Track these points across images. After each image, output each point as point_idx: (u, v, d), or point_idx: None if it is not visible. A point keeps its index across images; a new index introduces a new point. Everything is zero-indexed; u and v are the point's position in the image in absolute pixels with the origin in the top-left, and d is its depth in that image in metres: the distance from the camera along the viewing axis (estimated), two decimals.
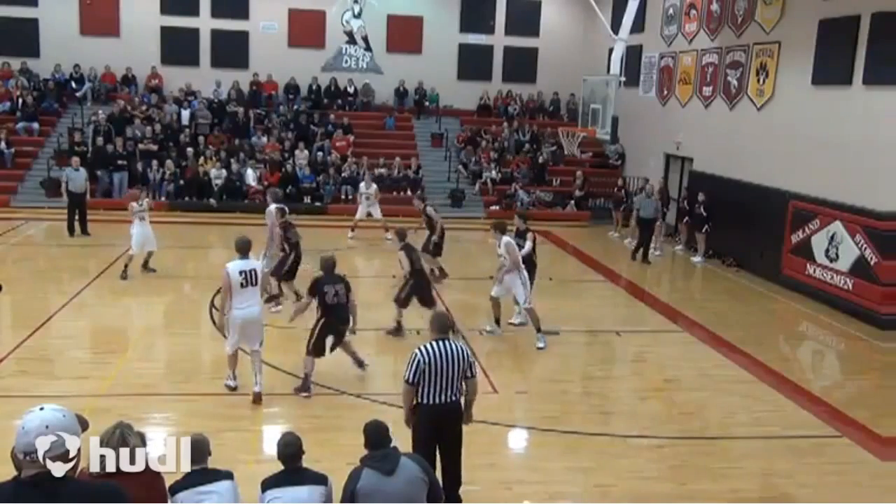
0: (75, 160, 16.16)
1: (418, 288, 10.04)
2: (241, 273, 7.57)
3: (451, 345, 5.61)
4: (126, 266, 12.28)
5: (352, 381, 8.42)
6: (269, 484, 4.46)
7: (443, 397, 5.55)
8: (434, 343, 5.59)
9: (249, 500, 4.59)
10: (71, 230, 15.56)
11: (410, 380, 5.52)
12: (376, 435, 4.38)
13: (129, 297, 11.45)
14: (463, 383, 5.65)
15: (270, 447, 6.47)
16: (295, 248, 10.92)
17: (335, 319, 8.02)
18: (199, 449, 4.36)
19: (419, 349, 5.58)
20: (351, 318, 8.11)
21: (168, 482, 4.15)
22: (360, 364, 8.63)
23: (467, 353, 5.67)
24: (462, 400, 5.72)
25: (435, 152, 22.33)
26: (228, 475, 4.42)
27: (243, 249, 7.83)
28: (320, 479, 4.48)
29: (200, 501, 4.22)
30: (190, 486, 4.24)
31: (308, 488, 4.40)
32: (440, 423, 5.60)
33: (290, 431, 4.71)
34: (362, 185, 16.82)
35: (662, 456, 7.15)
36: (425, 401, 5.56)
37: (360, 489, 4.17)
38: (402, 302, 10.07)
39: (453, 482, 5.70)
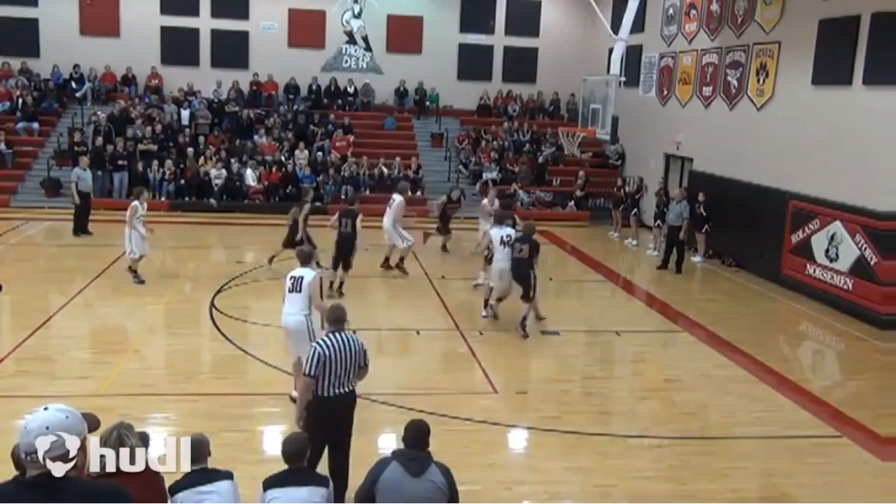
0: (84, 160, 16.15)
1: None
2: (290, 278, 7.49)
3: (347, 336, 5.66)
4: (136, 271, 12.02)
5: None
6: (271, 483, 4.46)
7: (339, 389, 5.59)
8: (332, 335, 5.63)
9: (249, 500, 4.59)
10: (77, 231, 15.54)
11: (312, 373, 5.53)
12: (416, 435, 4.36)
13: (130, 297, 11.44)
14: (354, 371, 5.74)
15: (270, 447, 6.50)
16: None
17: (519, 271, 10.24)
18: (199, 449, 4.36)
19: (319, 342, 5.62)
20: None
21: (168, 482, 4.15)
22: (538, 317, 10.76)
23: (362, 344, 5.72)
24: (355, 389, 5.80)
25: (435, 152, 22.34)
26: (228, 475, 4.42)
27: (301, 258, 7.70)
28: (322, 482, 4.48)
29: (200, 501, 4.22)
30: (190, 486, 4.24)
31: (309, 489, 4.40)
32: (336, 414, 5.61)
33: (296, 431, 4.71)
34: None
35: (662, 456, 7.15)
36: (323, 393, 5.56)
37: (382, 480, 4.19)
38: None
39: (339, 483, 5.45)
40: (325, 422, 5.57)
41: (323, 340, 5.61)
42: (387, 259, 13.54)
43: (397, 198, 13.50)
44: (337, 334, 5.65)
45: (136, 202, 11.98)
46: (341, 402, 5.61)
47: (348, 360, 5.58)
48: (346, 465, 5.67)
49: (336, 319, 5.74)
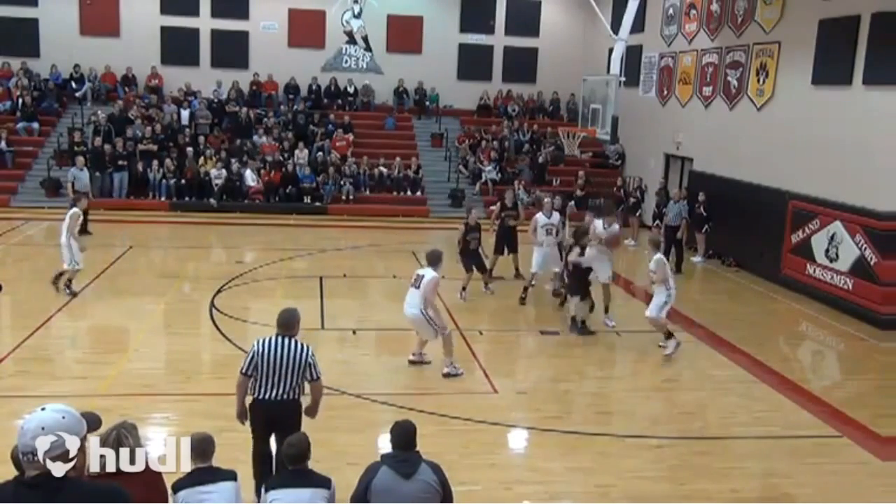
0: (80, 160, 16.18)
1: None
2: (415, 275, 8.58)
3: (291, 342, 5.48)
4: (71, 281, 11.20)
5: (352, 381, 8.42)
6: (273, 484, 4.46)
7: (274, 393, 5.41)
8: (273, 337, 5.50)
9: (250, 500, 4.58)
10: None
11: (244, 370, 5.46)
12: (402, 436, 4.35)
13: (129, 297, 11.45)
14: (306, 384, 5.51)
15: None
16: None
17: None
18: (203, 447, 4.36)
19: (256, 341, 5.54)
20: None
21: (169, 482, 4.15)
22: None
23: (308, 355, 5.47)
24: (301, 400, 5.55)
25: (435, 152, 22.34)
26: (231, 476, 4.42)
27: (428, 259, 8.60)
28: (324, 483, 4.46)
29: (201, 501, 4.22)
30: (192, 485, 4.24)
31: (311, 491, 4.39)
32: (272, 419, 5.44)
33: (299, 432, 4.69)
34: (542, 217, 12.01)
35: (662, 456, 7.14)
36: (257, 394, 5.46)
37: (374, 485, 4.18)
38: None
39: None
40: (260, 422, 5.44)
41: (261, 340, 5.50)
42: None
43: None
44: (278, 338, 5.49)
45: (76, 209, 11.19)
46: (276, 408, 5.42)
47: (284, 366, 5.38)
48: None
49: (282, 324, 5.59)
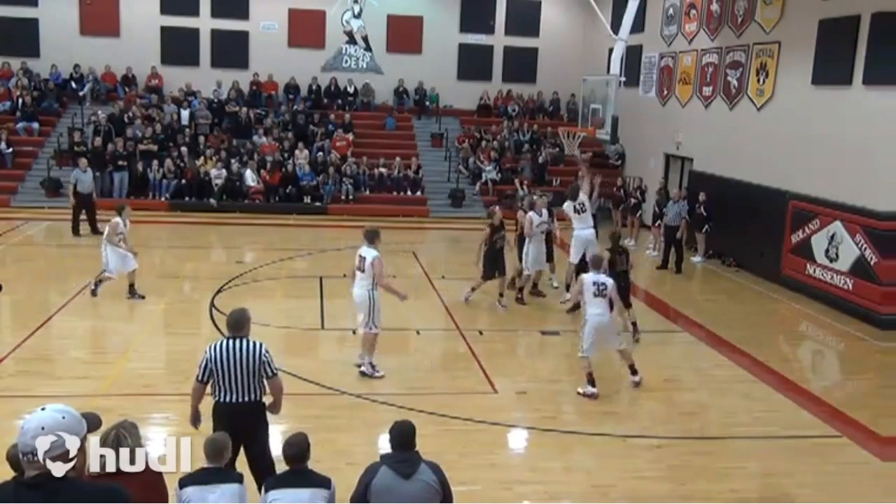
0: (83, 161, 16.17)
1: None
2: (357, 258, 8.54)
3: (242, 343, 5.39)
4: (98, 285, 11.19)
5: (352, 381, 8.43)
6: (272, 484, 4.46)
7: (235, 397, 5.34)
8: (224, 341, 5.41)
9: (250, 500, 4.59)
10: (76, 230, 15.56)
11: (199, 377, 5.41)
12: (401, 436, 4.34)
13: (130, 297, 11.43)
14: (265, 383, 5.43)
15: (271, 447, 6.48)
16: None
17: None
18: (215, 447, 4.39)
19: (208, 347, 5.45)
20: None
21: (169, 482, 4.15)
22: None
23: (262, 353, 5.37)
24: (264, 400, 5.49)
25: (435, 152, 22.34)
26: (238, 478, 4.43)
27: (366, 237, 8.66)
28: (324, 483, 4.46)
29: (204, 500, 4.23)
30: (198, 483, 4.27)
31: (311, 491, 4.39)
32: (235, 422, 5.26)
33: (299, 432, 4.69)
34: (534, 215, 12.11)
35: (662, 456, 7.15)
36: (219, 399, 5.38)
37: (374, 485, 4.18)
38: None
39: (264, 468, 5.38)
40: (224, 427, 5.25)
41: (212, 346, 5.43)
42: None
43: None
44: (229, 341, 5.40)
45: (118, 219, 11.11)
46: (238, 411, 5.33)
47: (239, 368, 5.31)
48: (264, 456, 5.49)
49: (231, 325, 5.52)
